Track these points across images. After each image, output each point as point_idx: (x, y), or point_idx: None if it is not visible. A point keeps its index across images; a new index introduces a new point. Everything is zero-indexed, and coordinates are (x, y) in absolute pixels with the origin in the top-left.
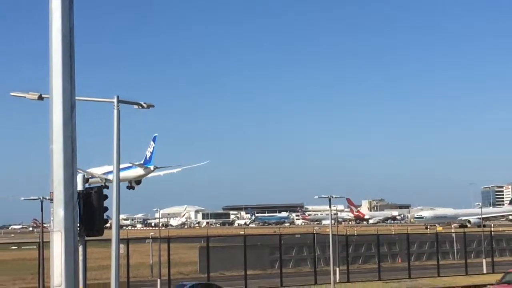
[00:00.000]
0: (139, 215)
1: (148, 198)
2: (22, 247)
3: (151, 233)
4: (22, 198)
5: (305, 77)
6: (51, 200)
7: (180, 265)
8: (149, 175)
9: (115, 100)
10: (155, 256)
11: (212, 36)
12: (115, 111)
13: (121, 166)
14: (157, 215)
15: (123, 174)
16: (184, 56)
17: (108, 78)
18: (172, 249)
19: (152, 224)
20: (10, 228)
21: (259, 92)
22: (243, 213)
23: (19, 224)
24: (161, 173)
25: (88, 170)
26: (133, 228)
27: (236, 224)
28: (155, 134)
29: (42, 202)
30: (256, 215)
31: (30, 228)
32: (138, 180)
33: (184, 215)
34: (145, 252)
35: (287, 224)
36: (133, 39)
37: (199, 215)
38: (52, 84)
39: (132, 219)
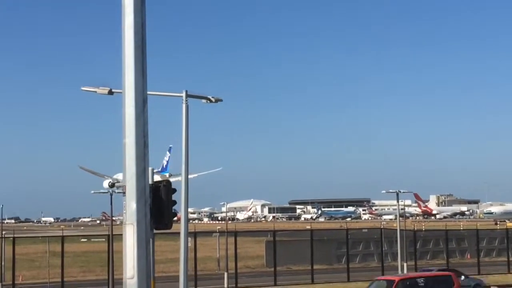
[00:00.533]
0: (206, 209)
1: (215, 193)
2: (92, 240)
3: (218, 227)
4: (92, 191)
5: (368, 69)
6: (124, 193)
7: (247, 259)
8: (172, 179)
9: (183, 94)
10: (222, 250)
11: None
12: (184, 106)
13: None
14: (223, 209)
15: None
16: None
17: (170, 71)
18: (238, 243)
19: (219, 218)
20: (79, 221)
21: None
22: (309, 207)
23: (88, 217)
24: (179, 178)
25: (114, 176)
26: (200, 222)
27: (302, 219)
28: (170, 145)
29: (111, 195)
30: (323, 209)
31: (97, 221)
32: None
33: (250, 209)
34: (212, 246)
35: (348, 219)
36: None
37: (265, 209)
38: (125, 78)
39: (199, 213)
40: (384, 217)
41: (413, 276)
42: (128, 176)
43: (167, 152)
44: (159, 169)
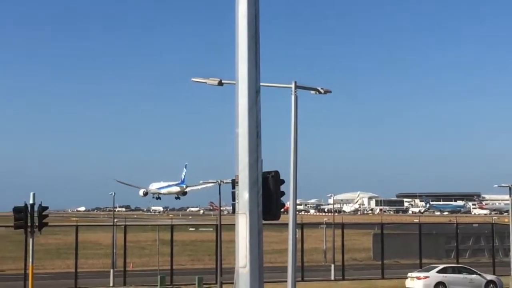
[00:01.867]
0: (312, 201)
1: (321, 184)
2: (200, 229)
3: (324, 219)
4: (201, 182)
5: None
6: (237, 183)
7: (354, 251)
8: (188, 189)
9: (292, 85)
10: (329, 242)
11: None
12: (293, 97)
13: (166, 184)
14: (330, 201)
15: (167, 190)
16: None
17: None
18: (345, 235)
19: (325, 210)
20: (187, 210)
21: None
22: (417, 200)
23: (196, 207)
24: (194, 187)
25: (150, 187)
26: (306, 213)
27: (410, 212)
28: (186, 163)
29: (220, 185)
30: (431, 203)
31: (201, 212)
32: (184, 192)
33: (357, 201)
34: (319, 237)
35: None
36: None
37: (372, 202)
38: (238, 69)
39: (306, 204)
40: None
41: None
42: (241, 167)
43: (184, 168)
44: (179, 182)
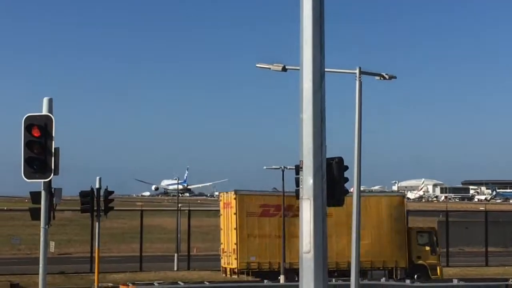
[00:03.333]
0: (376, 187)
1: (385, 171)
2: None
3: None
4: (265, 167)
5: None
6: (301, 168)
7: None
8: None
9: (357, 71)
10: None
11: None
12: (357, 83)
13: (171, 181)
14: (394, 187)
15: (173, 187)
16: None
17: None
18: (409, 221)
19: None
20: None
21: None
22: (483, 188)
23: None
24: (195, 186)
25: (162, 184)
26: None
27: (475, 200)
28: (188, 166)
29: (283, 171)
30: (497, 190)
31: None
32: (188, 189)
33: (421, 188)
34: None
35: None
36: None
37: (437, 189)
38: (302, 53)
39: (369, 191)
40: None
41: None
42: (305, 152)
43: (186, 171)
44: (182, 181)
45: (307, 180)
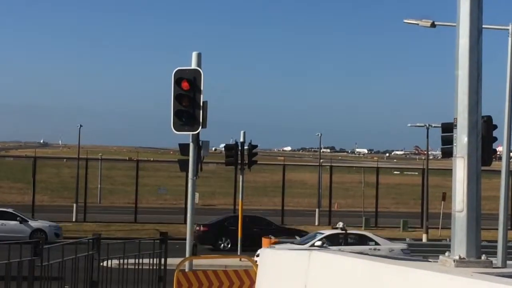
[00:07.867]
0: None
1: None
2: (404, 173)
3: None
4: (409, 125)
5: None
6: (455, 126)
7: None
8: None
9: (510, 27)
10: None
11: None
12: (509, 39)
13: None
14: None
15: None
16: None
17: None
18: None
19: None
20: (392, 154)
21: None
22: None
23: (401, 150)
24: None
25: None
26: None
27: None
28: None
29: (428, 129)
30: None
31: (405, 155)
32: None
33: None
34: None
35: None
36: None
37: None
38: (459, 9)
39: None
40: None
41: None
42: (460, 109)
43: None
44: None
45: (462, 138)
